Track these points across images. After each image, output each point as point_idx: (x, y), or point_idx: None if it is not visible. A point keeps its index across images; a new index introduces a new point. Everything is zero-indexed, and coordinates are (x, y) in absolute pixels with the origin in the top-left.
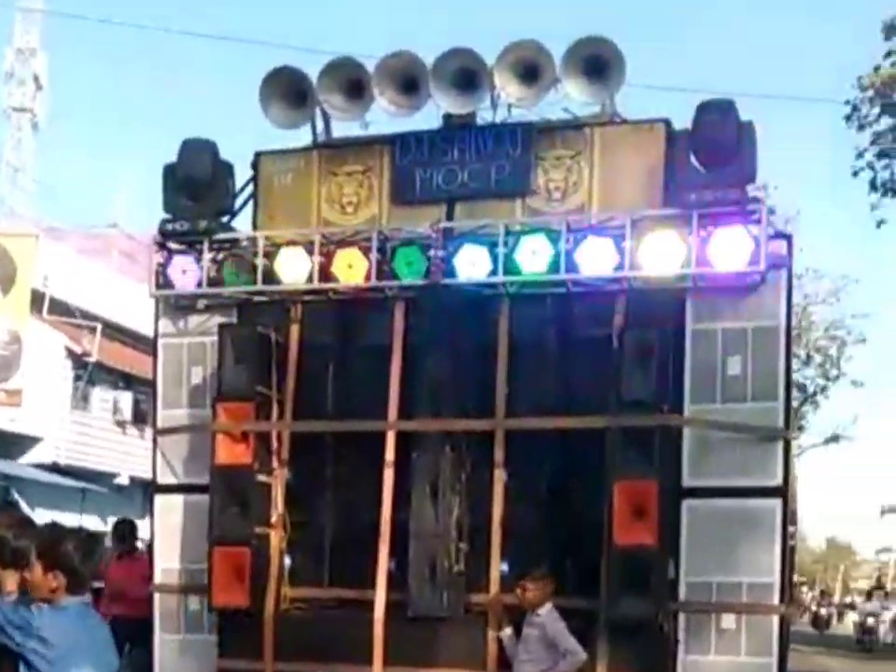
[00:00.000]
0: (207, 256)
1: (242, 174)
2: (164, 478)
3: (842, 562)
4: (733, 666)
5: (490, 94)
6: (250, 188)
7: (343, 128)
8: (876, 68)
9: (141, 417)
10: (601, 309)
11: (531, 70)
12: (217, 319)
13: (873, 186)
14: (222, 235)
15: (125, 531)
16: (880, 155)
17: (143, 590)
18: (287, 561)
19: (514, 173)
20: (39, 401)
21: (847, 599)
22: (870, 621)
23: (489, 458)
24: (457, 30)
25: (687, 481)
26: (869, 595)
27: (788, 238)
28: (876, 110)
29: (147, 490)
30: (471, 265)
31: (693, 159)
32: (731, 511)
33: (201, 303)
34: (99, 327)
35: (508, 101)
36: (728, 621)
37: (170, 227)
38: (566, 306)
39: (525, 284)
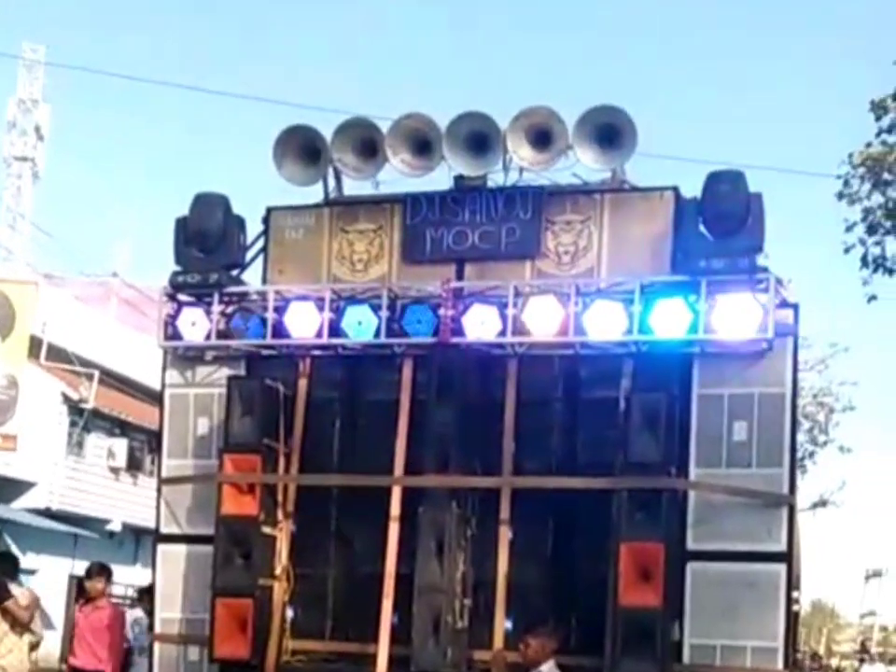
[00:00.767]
0: (217, 308)
1: (252, 228)
2: (167, 527)
3: (826, 625)
4: None
5: (502, 157)
6: (261, 242)
7: (355, 186)
8: (868, 145)
9: (135, 464)
10: (609, 371)
11: (543, 135)
12: (225, 371)
13: (864, 261)
14: (232, 288)
15: (86, 577)
16: (870, 231)
17: (99, 641)
18: (290, 613)
19: (524, 235)
20: (34, 446)
21: (833, 662)
22: None
23: (495, 515)
24: (475, 86)
25: (692, 544)
26: (862, 660)
27: (794, 307)
28: (867, 186)
29: (139, 537)
30: (480, 325)
31: (702, 227)
32: (735, 574)
33: (209, 355)
34: (96, 374)
35: (519, 164)
36: None
37: (180, 279)
38: (573, 368)
39: (533, 345)
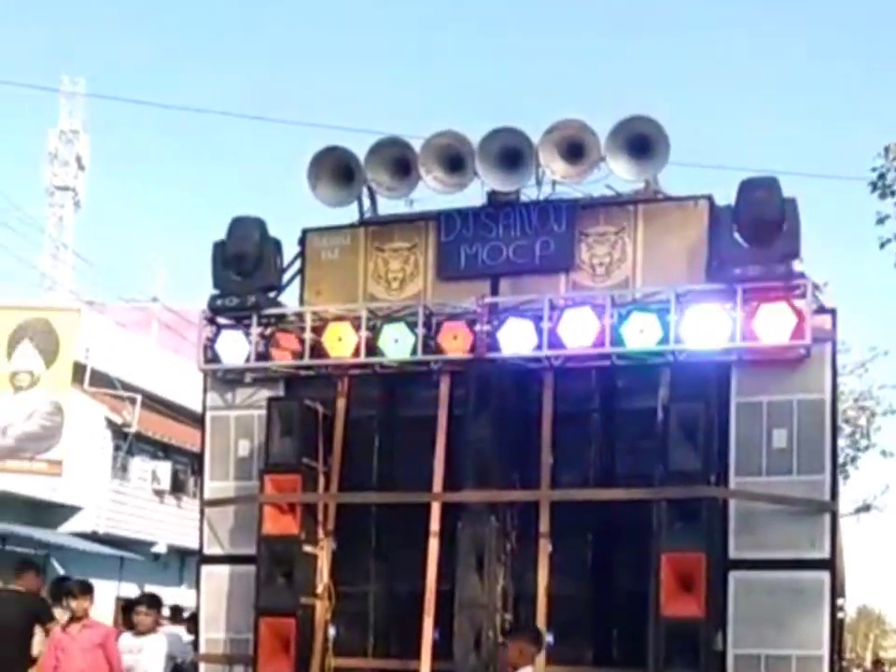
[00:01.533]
0: (255, 330)
1: (288, 250)
2: (211, 548)
3: (872, 631)
4: None
5: (535, 171)
6: (297, 263)
7: (389, 205)
8: None
9: (179, 486)
10: (646, 382)
11: (576, 148)
12: (265, 393)
13: None
14: (270, 310)
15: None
16: None
17: (90, 662)
18: (332, 631)
19: (558, 248)
20: (80, 471)
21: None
22: None
23: (534, 529)
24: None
25: (733, 553)
26: None
27: (832, 312)
28: None
29: (184, 558)
30: (516, 339)
31: (736, 234)
32: (779, 583)
33: (248, 377)
34: (139, 398)
35: (552, 178)
36: None
37: (219, 302)
38: (610, 379)
39: (569, 357)
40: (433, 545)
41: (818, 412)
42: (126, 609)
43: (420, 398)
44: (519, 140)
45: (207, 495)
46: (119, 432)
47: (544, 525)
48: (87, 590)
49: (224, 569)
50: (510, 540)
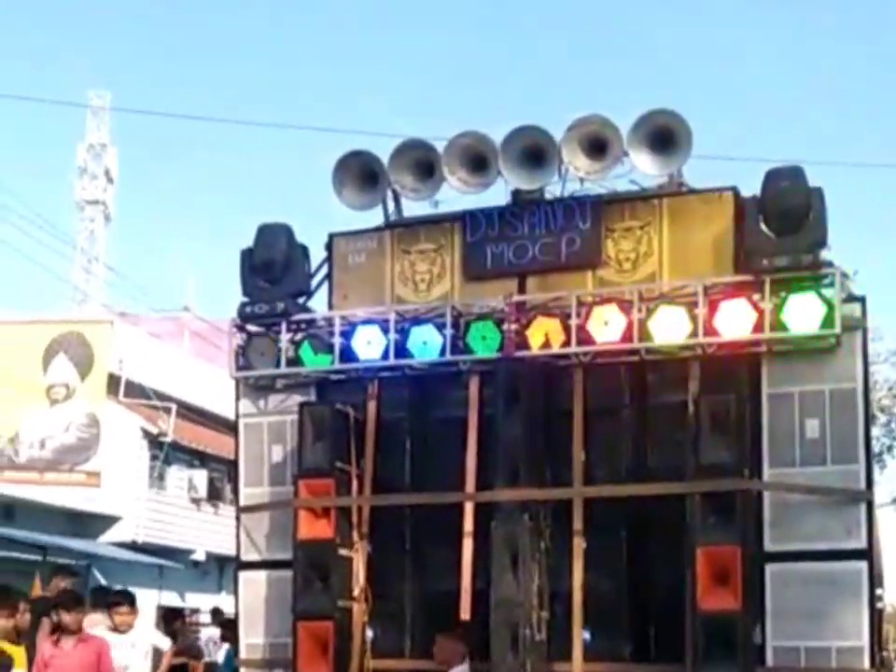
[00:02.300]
0: (285, 336)
1: (315, 255)
2: (248, 555)
3: None
4: None
5: (558, 169)
6: (325, 268)
7: (414, 207)
8: None
9: (215, 494)
10: (675, 376)
11: (598, 144)
12: (296, 398)
13: None
14: (299, 316)
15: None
16: None
17: None
18: (370, 633)
19: (584, 245)
20: (117, 481)
21: None
22: None
23: (568, 526)
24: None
25: (769, 545)
26: None
27: (862, 300)
28: None
29: (222, 565)
30: (544, 337)
31: (763, 225)
32: (816, 574)
33: (279, 383)
34: (174, 407)
35: (576, 175)
36: None
37: (248, 310)
38: (640, 374)
39: (598, 353)
40: (467, 545)
41: (850, 401)
42: (167, 619)
43: (450, 398)
44: (541, 138)
45: (242, 501)
46: (154, 442)
47: (578, 523)
48: (78, 602)
49: (261, 575)
50: (544, 538)
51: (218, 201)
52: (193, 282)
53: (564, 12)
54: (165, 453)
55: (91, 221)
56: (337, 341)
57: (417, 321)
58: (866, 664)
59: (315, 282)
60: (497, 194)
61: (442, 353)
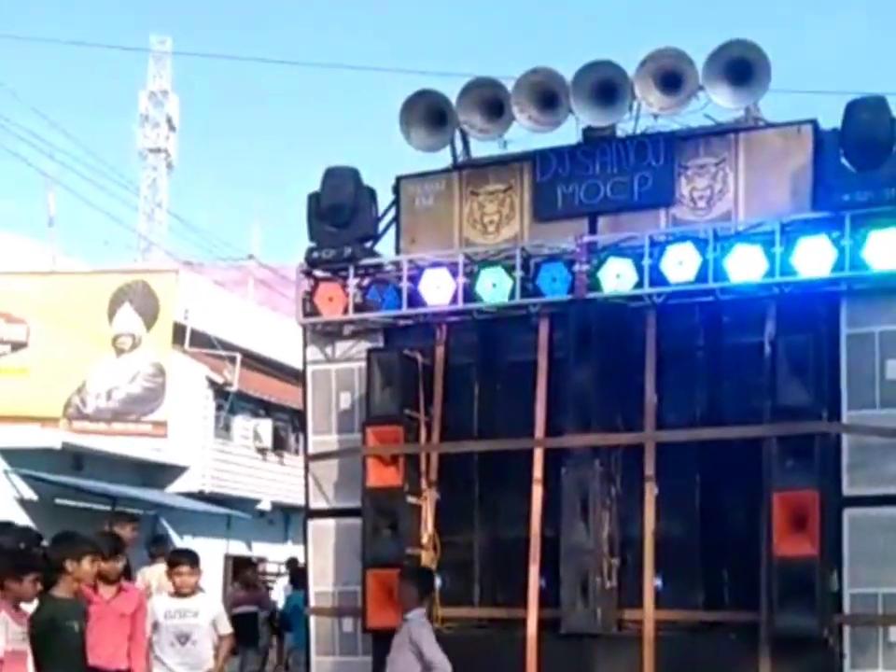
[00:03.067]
0: (353, 282)
1: (383, 198)
2: (316, 503)
3: None
4: None
5: (630, 105)
6: (392, 212)
7: (482, 148)
8: None
9: (280, 444)
10: (751, 316)
11: (673, 78)
12: (364, 344)
13: None
14: (367, 261)
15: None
16: None
17: (122, 632)
18: (438, 581)
19: (657, 183)
20: (184, 431)
21: None
22: None
23: (639, 472)
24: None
25: (847, 489)
26: None
27: None
28: None
29: (288, 515)
30: (616, 278)
31: (843, 159)
32: (895, 519)
33: (347, 329)
34: (238, 357)
35: (649, 111)
36: None
37: (315, 255)
38: (714, 315)
39: (671, 294)
40: (537, 492)
41: None
42: (237, 567)
43: (519, 342)
44: (614, 73)
45: (311, 449)
46: (220, 391)
47: (650, 468)
48: (117, 549)
49: (330, 523)
50: (615, 484)
51: (282, 146)
52: (257, 229)
53: None
54: (230, 402)
55: (154, 170)
56: (405, 285)
57: (486, 263)
58: None
59: (382, 226)
60: (567, 133)
61: (512, 296)
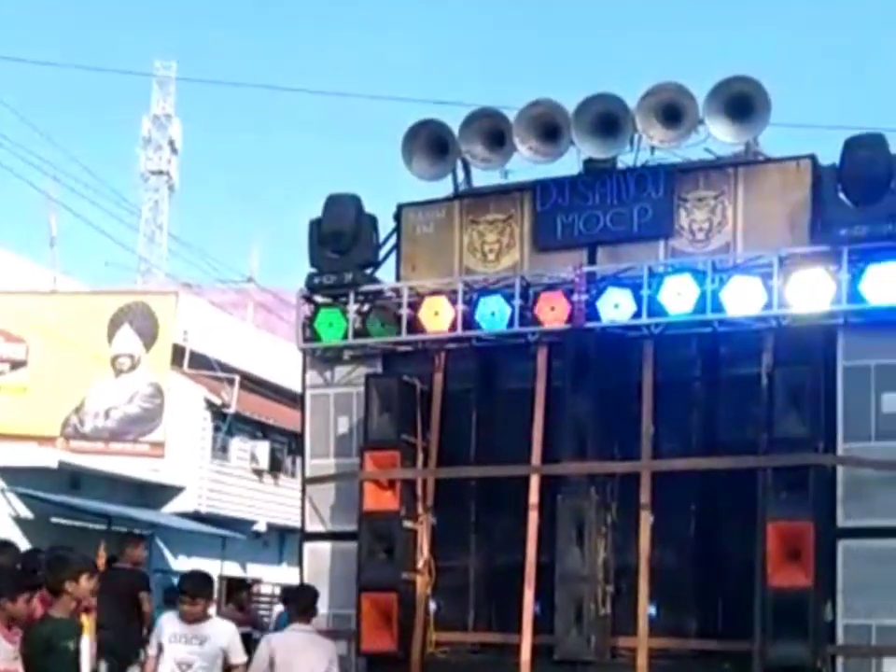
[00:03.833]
0: (353, 308)
1: (384, 225)
2: (312, 526)
3: None
4: None
5: (631, 137)
6: (393, 239)
7: (483, 177)
8: None
9: (277, 466)
10: (749, 348)
11: (673, 112)
12: (363, 370)
13: None
14: (367, 287)
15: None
16: None
17: None
18: (433, 605)
19: (657, 215)
20: (181, 452)
21: None
22: None
23: (635, 500)
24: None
25: (842, 521)
26: None
27: None
28: None
29: (283, 536)
30: (615, 308)
31: (841, 194)
32: (889, 551)
33: (346, 354)
34: (237, 379)
35: (650, 143)
36: (890, 665)
37: (316, 280)
38: (712, 346)
39: (669, 325)
40: (533, 518)
41: None
42: (231, 588)
43: (517, 370)
44: (615, 106)
45: (308, 472)
46: (218, 413)
47: (645, 496)
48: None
49: (326, 546)
50: (610, 512)
51: (283, 172)
52: (257, 253)
53: None
54: (228, 424)
55: (156, 192)
56: (404, 312)
57: (485, 292)
58: None
59: (383, 253)
60: (568, 164)
61: (510, 324)
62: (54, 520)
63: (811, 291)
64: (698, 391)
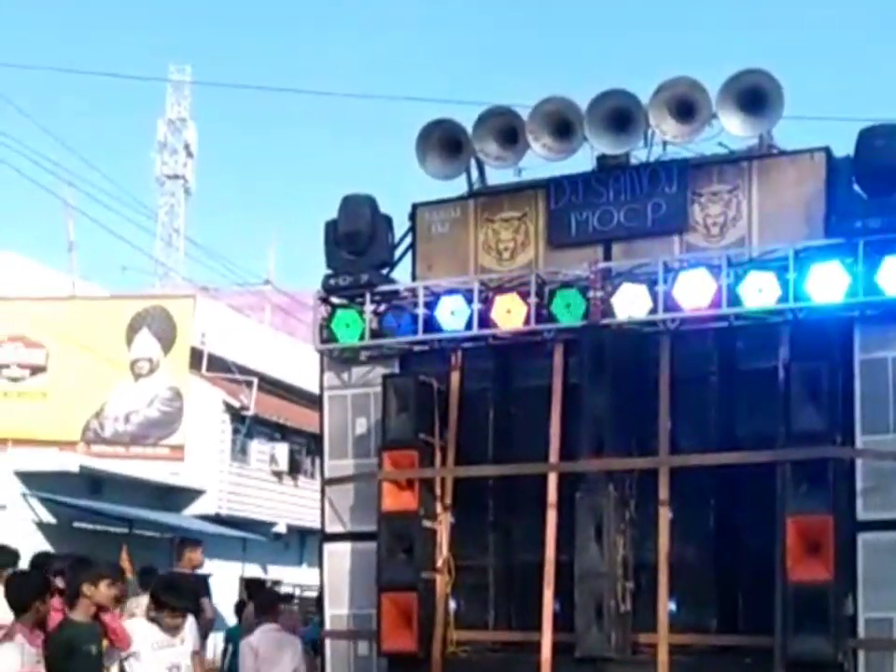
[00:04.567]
0: (369, 308)
1: (399, 225)
2: (332, 527)
3: None
4: None
5: (644, 133)
6: (408, 239)
7: (497, 175)
8: None
9: (296, 467)
10: (765, 342)
11: (686, 107)
12: (380, 370)
13: None
14: (383, 287)
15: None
16: None
17: None
18: (453, 604)
19: (671, 210)
20: (201, 455)
21: None
22: None
23: (653, 496)
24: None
25: (862, 514)
26: None
27: None
28: None
29: (303, 538)
30: (631, 304)
31: (856, 186)
32: None
33: (363, 355)
34: (255, 381)
35: (663, 139)
36: None
37: (332, 282)
38: (729, 341)
39: (685, 320)
40: (551, 516)
41: None
42: (249, 588)
43: (534, 368)
44: (628, 102)
45: (327, 473)
46: (236, 415)
47: (664, 492)
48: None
49: (346, 547)
50: (629, 509)
51: (298, 173)
52: (274, 255)
53: None
54: (247, 426)
55: (172, 196)
56: (421, 311)
57: (501, 290)
58: None
59: (398, 253)
60: (581, 160)
61: (527, 322)
62: (76, 524)
63: (827, 284)
64: (715, 386)
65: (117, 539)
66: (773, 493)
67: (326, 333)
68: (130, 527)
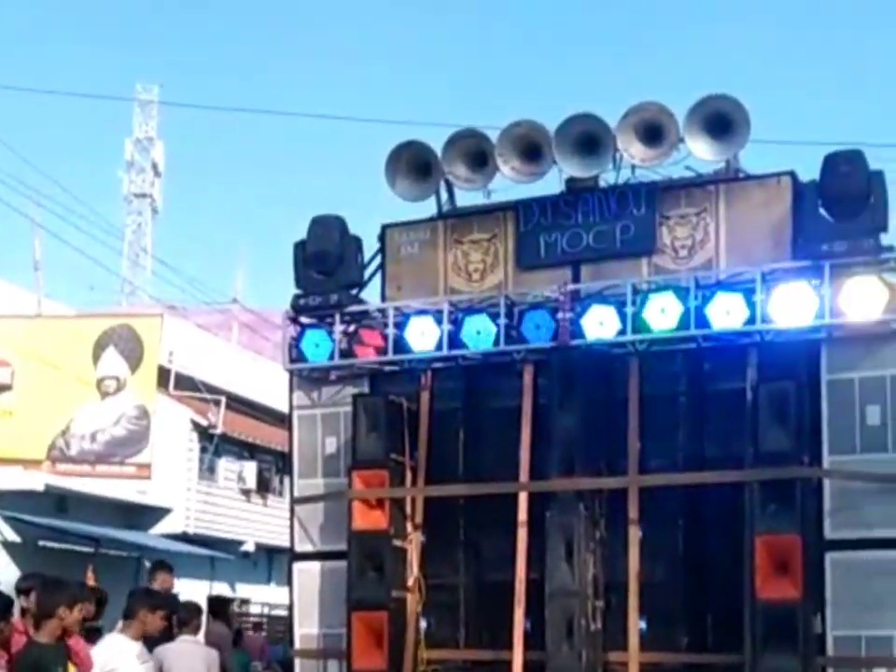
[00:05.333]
0: (339, 328)
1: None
2: (302, 545)
3: None
4: None
5: (613, 156)
6: (378, 260)
7: (466, 197)
8: None
9: (264, 486)
10: (733, 363)
11: (654, 131)
12: (350, 390)
13: None
14: (353, 308)
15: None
16: None
17: None
18: (424, 623)
19: (639, 232)
20: (168, 473)
21: None
22: None
23: (623, 515)
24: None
25: (830, 533)
26: None
27: None
28: None
29: (272, 556)
30: (599, 325)
31: (822, 209)
32: (877, 563)
33: (333, 375)
34: (223, 399)
35: (631, 162)
36: None
37: (302, 301)
38: (697, 362)
39: (654, 341)
40: (522, 535)
41: None
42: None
43: (504, 388)
44: (596, 125)
45: (297, 492)
46: (204, 434)
47: (633, 512)
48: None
49: (315, 566)
50: (599, 528)
51: (266, 194)
52: (241, 274)
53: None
54: (215, 445)
55: (139, 214)
56: (391, 332)
57: (471, 311)
58: None
59: (368, 273)
60: (550, 183)
61: (496, 342)
62: (41, 543)
63: (794, 306)
64: (684, 407)
65: (83, 558)
66: (742, 512)
67: (295, 353)
68: (96, 546)
